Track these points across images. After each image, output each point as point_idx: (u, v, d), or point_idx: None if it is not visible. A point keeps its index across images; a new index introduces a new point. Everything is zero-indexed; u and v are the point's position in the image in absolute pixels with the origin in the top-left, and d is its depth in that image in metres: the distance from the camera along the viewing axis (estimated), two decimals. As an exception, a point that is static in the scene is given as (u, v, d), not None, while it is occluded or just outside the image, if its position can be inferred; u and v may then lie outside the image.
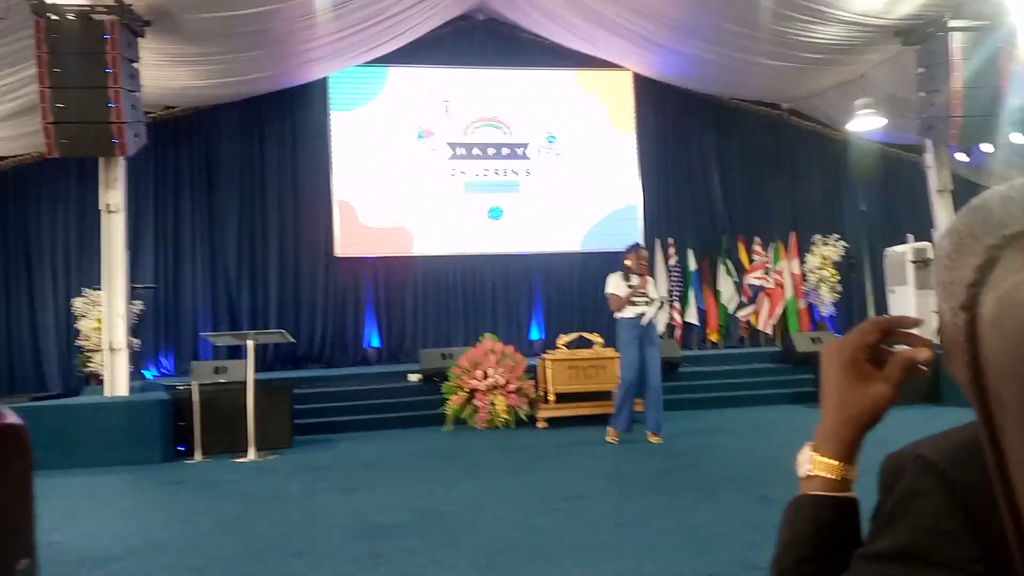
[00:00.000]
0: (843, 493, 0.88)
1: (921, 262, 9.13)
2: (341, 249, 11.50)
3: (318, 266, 11.57)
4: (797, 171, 12.80)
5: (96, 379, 9.57)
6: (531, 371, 8.65)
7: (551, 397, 8.30)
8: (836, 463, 0.88)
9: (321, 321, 11.50)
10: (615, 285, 6.75)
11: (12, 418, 0.81)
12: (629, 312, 6.65)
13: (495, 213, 11.81)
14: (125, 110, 7.37)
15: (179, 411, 7.23)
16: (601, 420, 7.70)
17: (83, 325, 10.09)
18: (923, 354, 0.82)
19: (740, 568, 3.28)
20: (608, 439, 6.77)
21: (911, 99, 9.11)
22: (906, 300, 9.19)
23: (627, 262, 6.76)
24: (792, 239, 12.28)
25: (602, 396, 8.03)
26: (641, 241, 11.60)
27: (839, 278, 11.93)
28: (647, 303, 6.69)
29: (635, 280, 6.70)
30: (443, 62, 11.81)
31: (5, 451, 0.79)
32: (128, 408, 7.06)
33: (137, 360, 9.59)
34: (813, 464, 0.89)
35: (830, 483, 0.87)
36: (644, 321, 6.65)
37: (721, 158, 12.68)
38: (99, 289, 8.57)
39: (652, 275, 6.85)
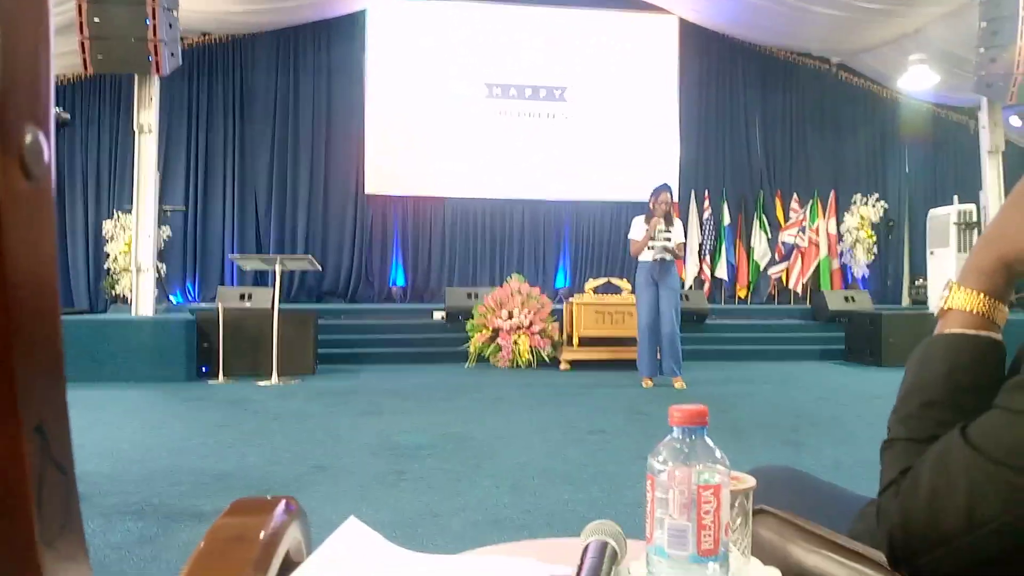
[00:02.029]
0: (984, 331, 0.76)
1: (965, 224, 8.86)
2: (371, 186, 11.41)
3: (347, 202, 11.50)
4: (842, 129, 12.46)
5: (123, 301, 9.64)
6: (555, 314, 8.57)
7: (575, 340, 8.22)
8: (978, 294, 0.76)
9: (348, 257, 11.46)
10: (636, 229, 6.63)
11: None
12: (647, 256, 6.54)
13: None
14: (162, 28, 7.25)
15: (204, 333, 7.24)
16: (624, 365, 7.62)
17: (111, 248, 10.13)
18: None
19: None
20: (644, 385, 6.69)
21: (967, 57, 8.76)
22: (947, 262, 8.94)
23: (651, 205, 6.63)
24: (831, 197, 12.00)
25: (627, 342, 7.93)
26: (676, 191, 11.40)
27: (876, 239, 11.67)
28: (665, 247, 6.54)
29: (656, 224, 6.52)
30: (484, -2, 11.55)
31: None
32: (154, 326, 7.07)
33: (163, 285, 9.62)
34: (950, 295, 0.77)
35: (969, 319, 0.76)
36: (656, 266, 6.49)
37: (764, 112, 12.36)
38: (129, 211, 8.57)
39: (671, 220, 6.61)
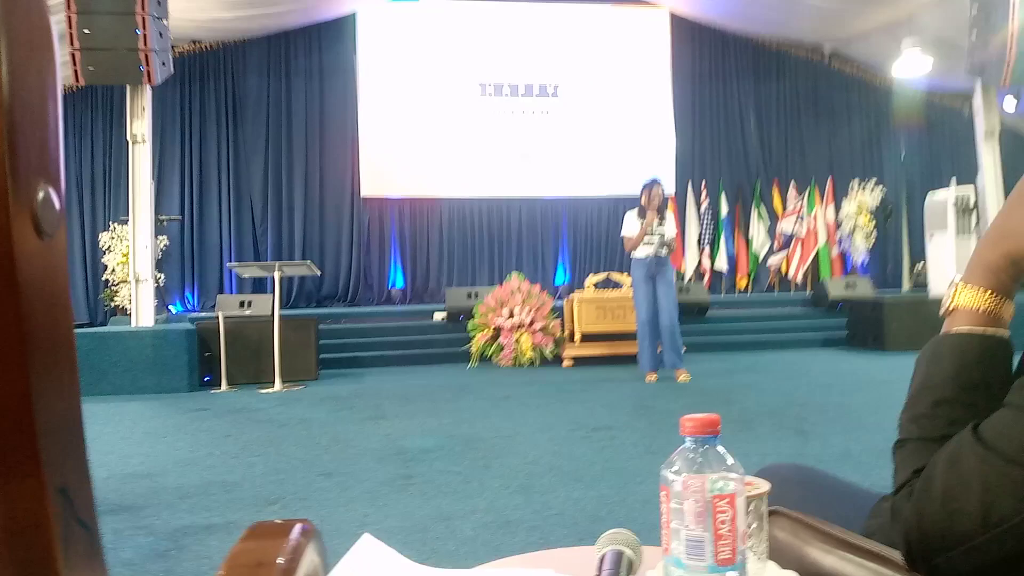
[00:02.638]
0: (992, 329, 0.76)
1: (963, 207, 8.86)
2: (367, 189, 11.40)
3: (344, 205, 11.49)
4: (836, 116, 12.46)
5: (122, 312, 9.63)
6: (556, 311, 8.58)
7: (577, 336, 8.22)
8: (984, 292, 0.76)
9: (346, 260, 11.46)
10: (629, 225, 6.63)
11: None
12: (641, 252, 6.54)
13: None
14: (152, 37, 7.24)
15: (205, 342, 7.24)
16: (627, 360, 7.64)
17: (109, 259, 10.13)
18: None
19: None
20: (647, 379, 6.69)
21: (960, 42, 8.74)
22: (946, 246, 8.94)
23: (642, 200, 6.63)
24: (828, 185, 12.00)
25: (629, 337, 7.92)
26: (672, 184, 11.41)
27: (874, 225, 11.67)
28: (660, 243, 6.55)
29: (652, 218, 6.53)
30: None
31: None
32: (154, 337, 7.06)
33: (162, 295, 9.62)
34: (956, 293, 0.77)
35: (976, 316, 0.76)
36: (651, 261, 6.50)
37: (758, 102, 12.35)
38: (125, 223, 8.56)
39: (664, 213, 6.62)
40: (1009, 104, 10.41)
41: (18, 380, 0.30)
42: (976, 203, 8.88)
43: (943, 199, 9.13)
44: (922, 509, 0.73)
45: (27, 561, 0.32)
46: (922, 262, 11.40)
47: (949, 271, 8.64)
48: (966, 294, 0.76)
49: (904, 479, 0.78)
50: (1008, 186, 8.65)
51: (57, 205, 0.32)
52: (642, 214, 6.58)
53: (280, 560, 0.71)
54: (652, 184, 6.64)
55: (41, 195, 0.31)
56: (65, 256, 0.34)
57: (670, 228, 6.62)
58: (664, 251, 6.55)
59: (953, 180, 9.51)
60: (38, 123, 0.32)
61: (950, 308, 0.78)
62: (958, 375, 0.76)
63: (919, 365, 0.81)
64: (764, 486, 0.79)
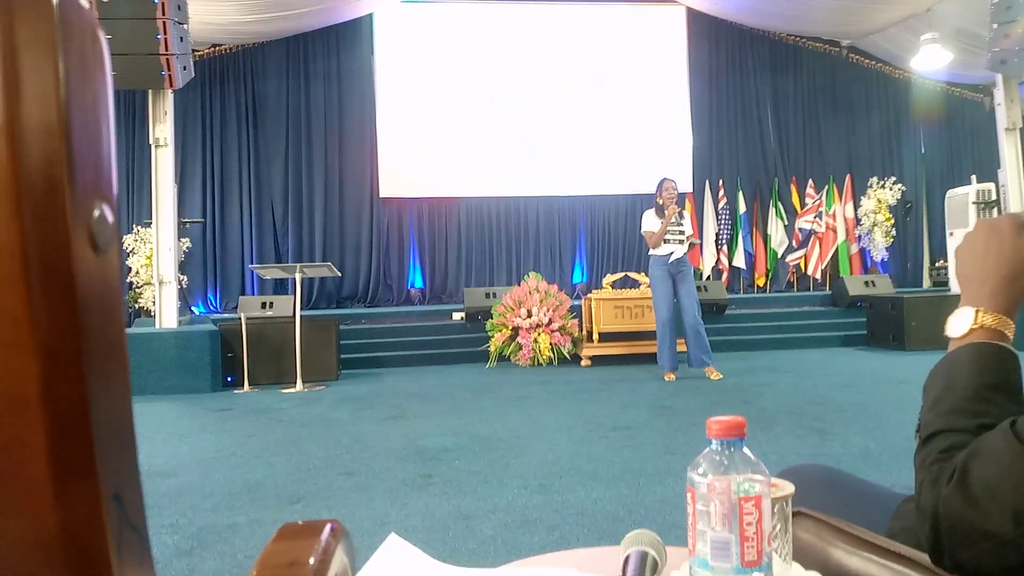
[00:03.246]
0: (1003, 343, 0.84)
1: (984, 203, 8.77)
2: (385, 190, 11.45)
3: (363, 206, 11.54)
4: (855, 112, 12.35)
5: (146, 313, 9.74)
6: (574, 311, 8.58)
7: (595, 336, 8.22)
8: (1000, 315, 0.85)
9: (366, 261, 11.51)
10: (650, 222, 6.63)
11: None
12: (661, 249, 6.54)
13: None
14: (174, 42, 7.31)
15: (227, 343, 7.31)
16: (645, 359, 7.64)
17: (132, 262, 10.23)
18: None
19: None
20: (665, 379, 6.68)
21: (980, 34, 8.66)
22: (967, 243, 8.85)
23: (658, 199, 6.64)
24: (847, 182, 11.91)
25: (647, 336, 7.92)
26: (690, 182, 11.39)
27: (894, 222, 11.57)
28: (680, 240, 6.57)
29: (673, 212, 6.56)
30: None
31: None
32: (178, 338, 7.14)
33: (185, 296, 9.71)
34: (976, 317, 0.85)
35: (993, 334, 0.84)
36: (672, 259, 6.53)
37: (776, 98, 12.28)
38: (148, 225, 8.65)
39: (682, 211, 6.68)
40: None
41: (77, 388, 0.31)
42: (998, 198, 8.78)
43: (964, 195, 9.05)
44: (952, 501, 0.74)
45: (82, 565, 0.33)
46: (942, 259, 11.29)
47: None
48: (984, 316, 0.85)
49: (932, 470, 0.79)
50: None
51: (111, 221, 0.34)
52: (660, 212, 6.59)
53: (311, 560, 0.73)
54: (665, 181, 6.70)
55: (97, 213, 0.33)
56: (118, 269, 0.35)
57: (687, 225, 6.66)
58: (686, 247, 6.59)
59: (974, 177, 9.42)
60: (94, 144, 0.33)
61: (975, 328, 0.85)
62: (981, 375, 0.81)
63: (936, 375, 0.86)
64: (789, 488, 0.80)
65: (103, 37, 0.34)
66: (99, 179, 0.33)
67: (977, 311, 0.85)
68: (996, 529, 0.70)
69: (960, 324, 0.86)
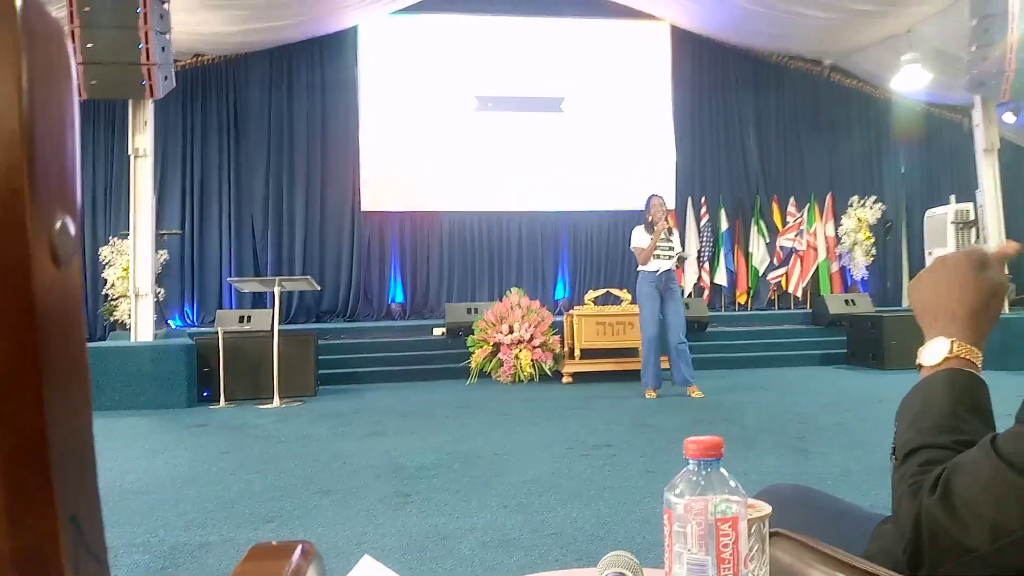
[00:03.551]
0: (973, 370, 0.88)
1: (962, 223, 8.88)
2: (367, 203, 11.42)
3: (344, 220, 11.50)
4: (836, 131, 12.50)
5: (121, 326, 9.62)
6: (555, 327, 8.58)
7: (576, 352, 8.21)
8: (969, 348, 0.89)
9: (346, 275, 11.45)
10: (639, 238, 6.66)
11: None
12: (651, 266, 6.57)
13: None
14: (155, 52, 7.27)
15: (204, 358, 7.23)
16: (626, 376, 7.64)
17: (108, 274, 10.12)
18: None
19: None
20: (647, 396, 6.68)
21: (959, 55, 8.79)
22: (944, 263, 8.96)
23: (648, 217, 6.69)
24: (828, 200, 12.03)
25: (628, 353, 7.94)
26: (672, 199, 11.45)
27: (874, 241, 11.69)
28: (669, 256, 6.60)
29: (664, 226, 6.62)
30: (474, 10, 11.59)
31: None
32: (153, 352, 7.05)
33: (162, 309, 9.60)
34: (952, 348, 0.89)
35: (965, 363, 0.88)
36: (659, 273, 6.57)
37: (758, 116, 12.40)
38: (125, 237, 8.56)
39: (671, 227, 6.75)
40: (1009, 118, 10.45)
41: (34, 408, 0.30)
42: (976, 219, 8.89)
43: (942, 215, 9.16)
44: (935, 511, 0.74)
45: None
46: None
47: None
48: (959, 347, 0.88)
49: (910, 484, 0.80)
50: (1008, 202, 8.67)
51: (73, 233, 0.33)
52: (649, 229, 6.62)
53: (282, 582, 0.71)
54: (652, 197, 6.75)
55: (59, 224, 0.32)
56: (79, 283, 0.34)
57: (676, 242, 6.71)
58: (675, 263, 6.64)
59: (952, 197, 9.54)
60: (57, 154, 0.32)
61: (949, 357, 0.89)
62: (957, 397, 0.84)
63: (911, 400, 0.89)
64: (765, 508, 0.79)
65: (69, 44, 0.33)
66: (62, 189, 0.32)
67: (952, 342, 0.88)
68: (974, 544, 0.71)
69: (935, 353, 0.89)
